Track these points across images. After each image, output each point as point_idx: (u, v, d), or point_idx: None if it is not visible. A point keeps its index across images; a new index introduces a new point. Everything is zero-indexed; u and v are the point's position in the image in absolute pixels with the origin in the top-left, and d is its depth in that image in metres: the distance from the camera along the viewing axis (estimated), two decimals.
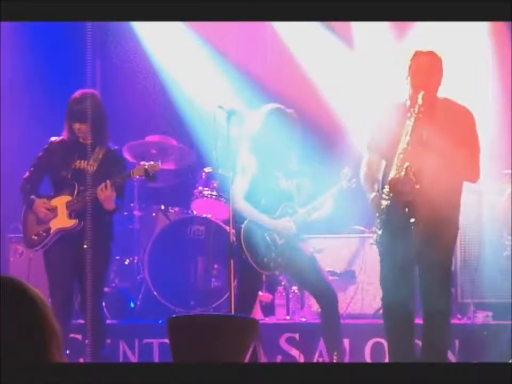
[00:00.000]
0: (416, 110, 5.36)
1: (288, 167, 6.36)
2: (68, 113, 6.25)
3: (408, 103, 5.55)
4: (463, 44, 8.01)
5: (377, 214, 5.48)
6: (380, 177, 5.59)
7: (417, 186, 5.29)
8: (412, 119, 5.36)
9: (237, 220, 6.11)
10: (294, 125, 6.27)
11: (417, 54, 5.52)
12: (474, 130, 5.57)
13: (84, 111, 6.12)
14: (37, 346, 2.27)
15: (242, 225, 6.15)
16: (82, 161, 6.24)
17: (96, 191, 6.08)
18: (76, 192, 6.19)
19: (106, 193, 6.08)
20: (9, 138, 8.35)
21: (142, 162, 6.32)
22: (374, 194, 5.51)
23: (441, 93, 5.60)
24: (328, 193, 6.35)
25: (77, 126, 6.19)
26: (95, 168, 6.23)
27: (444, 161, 5.36)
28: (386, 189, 5.40)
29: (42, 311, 2.33)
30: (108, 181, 6.08)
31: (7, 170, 8.05)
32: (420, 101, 5.36)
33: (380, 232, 5.50)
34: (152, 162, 6.28)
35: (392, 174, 5.37)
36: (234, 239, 6.16)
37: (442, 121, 5.46)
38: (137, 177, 6.46)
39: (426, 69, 5.47)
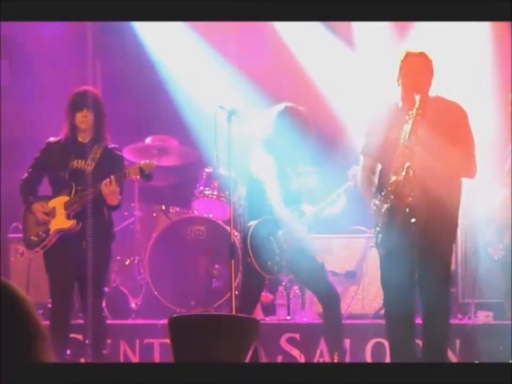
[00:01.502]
0: (414, 113, 5.34)
1: (299, 167, 6.34)
2: (70, 105, 6.23)
3: (400, 104, 5.54)
4: (463, 44, 8.01)
5: (377, 218, 5.47)
6: (376, 181, 5.59)
7: (418, 187, 5.28)
8: (410, 122, 5.34)
9: (241, 222, 6.12)
10: (307, 121, 6.24)
11: (408, 55, 5.51)
12: (467, 125, 5.57)
13: (86, 102, 6.12)
14: (23, 347, 2.26)
15: (250, 229, 6.15)
16: (80, 161, 6.22)
17: (100, 186, 6.06)
18: (73, 192, 6.18)
19: (110, 188, 6.07)
20: (10, 137, 8.35)
21: (137, 162, 6.32)
22: (374, 200, 5.49)
23: (440, 92, 5.59)
24: (335, 193, 6.33)
25: (80, 115, 6.16)
26: (92, 167, 6.21)
27: (441, 160, 5.36)
28: (386, 191, 5.39)
29: (27, 310, 2.32)
30: (112, 176, 6.06)
31: (7, 170, 8.05)
32: (417, 104, 5.34)
33: (380, 235, 5.49)
34: (147, 161, 6.26)
35: (392, 177, 5.36)
36: (235, 239, 6.16)
37: (436, 119, 5.44)
38: (134, 176, 6.44)
39: (417, 70, 5.45)
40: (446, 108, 5.56)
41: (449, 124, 5.47)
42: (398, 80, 5.51)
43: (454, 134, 5.44)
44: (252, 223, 6.16)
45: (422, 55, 5.51)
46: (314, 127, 6.33)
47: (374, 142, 5.57)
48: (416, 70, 5.44)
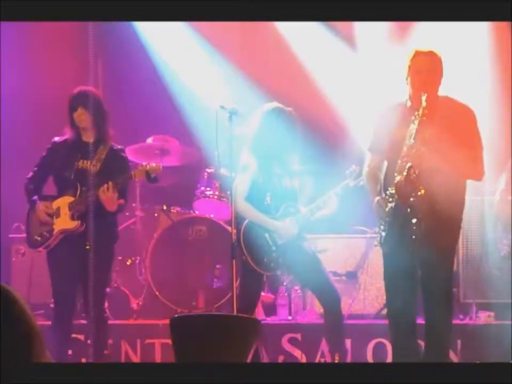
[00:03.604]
0: (421, 112, 5.33)
1: (290, 166, 6.35)
2: (68, 107, 6.23)
3: (409, 103, 5.53)
4: (463, 44, 8.01)
5: (380, 216, 5.47)
6: (382, 179, 5.58)
7: (420, 187, 5.28)
8: (416, 122, 5.33)
9: (237, 220, 6.11)
10: (294, 123, 6.25)
11: (417, 54, 5.49)
12: (476, 127, 5.55)
13: (83, 100, 6.12)
14: (18, 347, 2.26)
15: (242, 226, 6.15)
16: (85, 161, 6.21)
17: (98, 192, 6.06)
18: (78, 193, 6.17)
19: (108, 195, 6.07)
20: (10, 138, 8.36)
21: (143, 163, 6.31)
22: (377, 198, 5.50)
23: (442, 92, 5.58)
24: (332, 191, 6.34)
25: (75, 114, 6.16)
26: (98, 168, 6.21)
27: (447, 161, 5.34)
28: (391, 191, 5.39)
29: (21, 311, 2.31)
30: (110, 182, 6.06)
31: (8, 170, 8.05)
32: (424, 104, 5.33)
33: (384, 233, 5.49)
34: (153, 164, 6.25)
35: (396, 176, 5.36)
36: (235, 239, 6.16)
37: (444, 120, 5.43)
38: (139, 179, 6.45)
39: (426, 69, 5.44)
40: (455, 110, 5.54)
41: (458, 125, 5.45)
42: (406, 79, 5.50)
43: (462, 136, 5.42)
44: (245, 221, 6.16)
45: (431, 54, 5.49)
46: (302, 128, 6.33)
47: (383, 140, 5.56)
48: (425, 69, 5.43)
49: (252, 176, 6.18)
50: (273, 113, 6.21)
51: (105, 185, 6.05)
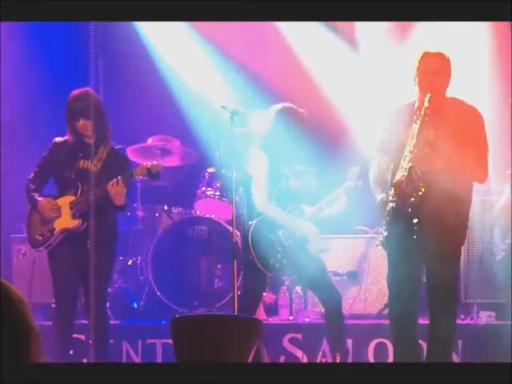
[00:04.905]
0: (422, 112, 5.34)
1: (296, 167, 6.35)
2: (68, 112, 6.22)
3: (417, 104, 5.54)
4: (463, 44, 8.00)
5: (383, 216, 5.47)
6: (389, 179, 5.58)
7: (422, 187, 5.28)
8: (418, 122, 5.35)
9: (238, 220, 6.12)
10: (306, 125, 6.25)
11: (425, 55, 5.50)
12: (483, 130, 5.55)
13: (84, 108, 6.10)
14: (16, 347, 2.26)
15: (251, 227, 6.15)
16: (86, 161, 6.22)
17: (107, 187, 6.06)
18: (79, 192, 6.18)
19: (117, 189, 6.07)
20: (10, 138, 8.36)
21: (145, 162, 6.33)
22: (381, 196, 5.50)
23: (447, 93, 5.59)
24: (334, 193, 6.34)
25: (80, 123, 6.16)
26: (99, 167, 6.22)
27: (451, 162, 5.34)
28: (392, 191, 5.39)
29: (20, 311, 2.31)
30: (119, 177, 6.07)
31: (8, 170, 8.06)
32: (426, 104, 5.34)
33: (385, 233, 5.49)
34: (155, 162, 6.28)
35: (398, 176, 5.36)
36: (238, 239, 6.16)
37: (450, 121, 5.43)
38: (140, 176, 6.47)
39: (434, 70, 5.44)
40: (461, 110, 5.54)
41: (465, 127, 5.45)
42: (414, 80, 5.51)
43: (468, 138, 5.42)
44: (253, 222, 6.17)
45: (439, 55, 5.50)
46: (313, 129, 6.33)
47: (390, 140, 5.56)
48: (433, 70, 5.43)
49: (265, 175, 6.19)
50: (286, 113, 6.21)
51: (114, 180, 6.06)
